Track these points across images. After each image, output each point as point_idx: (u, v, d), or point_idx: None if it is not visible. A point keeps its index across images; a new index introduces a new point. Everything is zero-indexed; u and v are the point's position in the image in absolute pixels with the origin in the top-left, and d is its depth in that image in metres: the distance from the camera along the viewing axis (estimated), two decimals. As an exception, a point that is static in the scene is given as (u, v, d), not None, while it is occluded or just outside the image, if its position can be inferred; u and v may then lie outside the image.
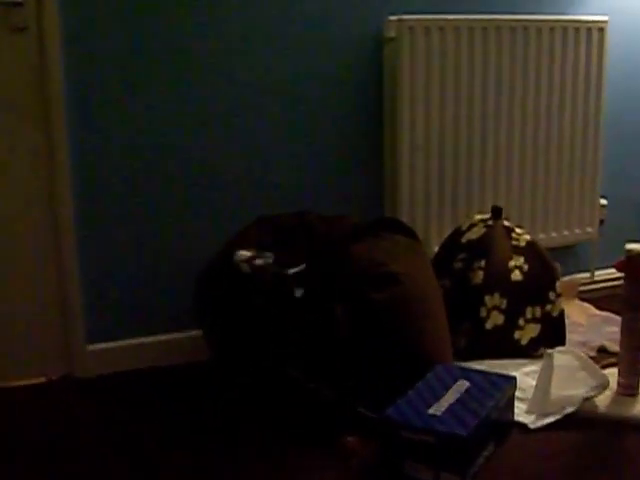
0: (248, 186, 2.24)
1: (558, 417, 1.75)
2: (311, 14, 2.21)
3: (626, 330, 1.84)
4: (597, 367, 1.85)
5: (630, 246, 1.82)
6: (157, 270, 2.18)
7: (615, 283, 2.77)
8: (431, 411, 1.55)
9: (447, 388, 1.66)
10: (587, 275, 2.75)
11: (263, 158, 2.24)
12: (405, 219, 2.26)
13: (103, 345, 2.15)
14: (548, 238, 2.51)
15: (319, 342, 1.79)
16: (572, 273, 2.71)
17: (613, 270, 2.79)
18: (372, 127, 2.33)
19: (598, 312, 2.51)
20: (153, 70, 2.08)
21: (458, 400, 1.60)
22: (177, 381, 2.07)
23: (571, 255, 2.69)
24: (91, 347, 2.13)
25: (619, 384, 1.86)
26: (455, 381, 1.69)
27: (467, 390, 1.65)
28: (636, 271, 1.81)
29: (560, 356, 1.88)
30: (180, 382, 2.07)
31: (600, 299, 2.69)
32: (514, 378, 1.73)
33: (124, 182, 2.10)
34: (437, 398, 1.61)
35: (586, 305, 2.59)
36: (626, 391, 1.85)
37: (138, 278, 2.16)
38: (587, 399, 1.77)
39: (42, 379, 2.08)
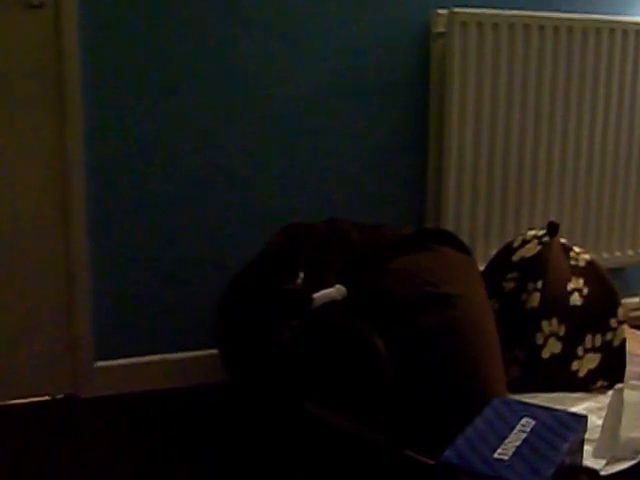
0: (277, 193, 2.07)
1: (633, 463, 1.55)
2: (348, 7, 2.04)
3: None
4: (676, 406, 1.65)
5: None
6: (172, 285, 2.01)
7: (667, 310, 2.61)
8: (497, 455, 1.34)
9: (511, 427, 1.45)
10: (637, 300, 2.56)
11: (295, 162, 2.08)
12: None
13: (112, 362, 1.98)
14: (599, 259, 2.32)
15: (355, 377, 1.58)
16: (622, 298, 2.53)
17: (665, 295, 2.64)
18: (416, 130, 2.17)
19: (654, 341, 2.32)
20: (176, 59, 1.92)
21: (525, 442, 1.40)
22: (188, 403, 1.92)
23: (620, 278, 2.50)
24: (99, 364, 1.97)
25: (697, 426, 1.65)
26: (519, 419, 1.49)
27: (533, 430, 1.44)
28: None
29: (631, 392, 1.68)
30: (191, 405, 1.91)
31: (651, 327, 2.51)
32: (585, 417, 1.53)
33: (140, 192, 1.95)
34: (501, 439, 1.40)
35: (638, 333, 2.40)
36: None
37: (151, 293, 2.00)
38: (665, 443, 1.57)
39: (46, 397, 1.94)
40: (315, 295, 1.68)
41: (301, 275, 1.76)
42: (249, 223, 2.04)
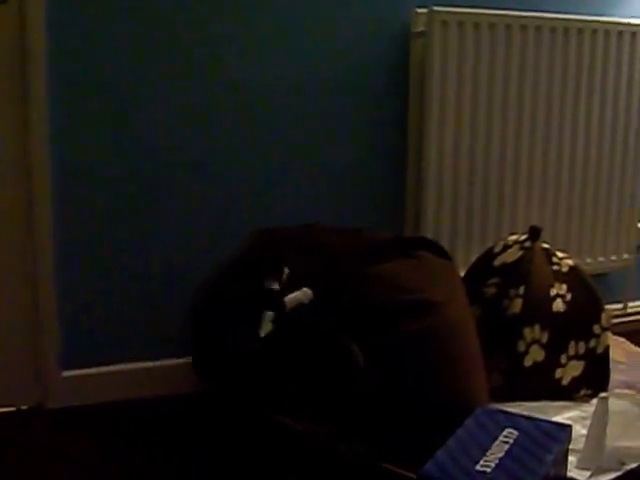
0: (252, 197, 2.04)
1: (618, 474, 1.53)
2: (325, 6, 2.02)
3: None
4: (661, 415, 1.63)
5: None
6: (139, 292, 1.97)
7: (650, 316, 2.61)
8: (479, 467, 1.32)
9: (494, 438, 1.42)
10: (620, 306, 2.55)
11: (271, 165, 2.05)
12: (429, 236, 2.06)
13: (79, 372, 1.94)
14: (582, 264, 2.30)
15: (332, 387, 1.55)
16: (604, 304, 2.52)
17: (648, 301, 2.64)
18: (395, 133, 2.15)
19: (637, 348, 2.30)
20: (148, 57, 1.89)
21: (509, 453, 1.37)
22: (158, 413, 1.89)
23: (602, 284, 2.49)
24: (66, 374, 1.92)
25: (683, 435, 1.64)
26: (501, 429, 1.46)
27: (517, 441, 1.42)
28: None
29: (615, 401, 1.66)
30: (161, 415, 1.88)
31: (633, 333, 2.49)
32: (570, 427, 1.51)
33: (106, 197, 1.91)
34: (483, 450, 1.38)
35: (621, 340, 2.38)
36: (691, 444, 1.63)
37: (119, 300, 1.96)
38: (651, 453, 1.55)
39: (11, 408, 1.89)
40: (285, 298, 1.65)
41: (286, 271, 1.72)
42: (222, 228, 2.01)
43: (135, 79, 1.88)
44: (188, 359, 1.85)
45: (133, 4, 1.84)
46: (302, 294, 1.66)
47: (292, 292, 1.67)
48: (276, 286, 1.70)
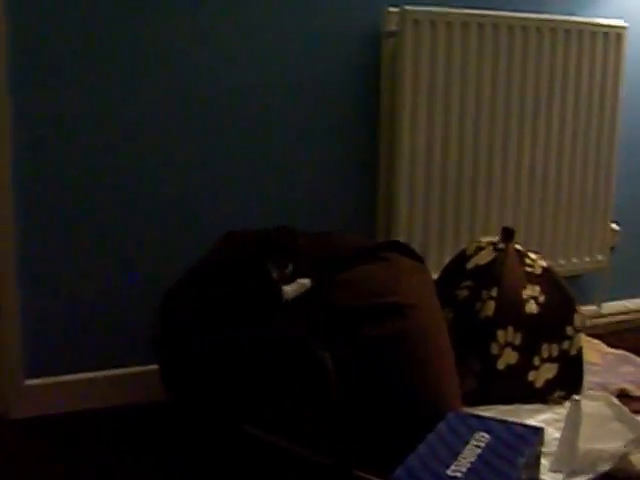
0: (221, 201, 2.02)
1: (591, 477, 1.53)
2: (297, 6, 2.01)
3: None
4: (634, 417, 1.64)
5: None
6: (103, 299, 1.94)
7: (624, 317, 2.62)
8: (451, 472, 1.31)
9: (465, 442, 1.42)
10: (593, 308, 2.56)
11: (241, 169, 2.02)
12: (401, 238, 2.05)
13: (43, 380, 1.90)
14: (556, 266, 2.31)
15: (300, 393, 1.54)
16: (578, 305, 2.53)
17: (622, 303, 2.65)
18: (366, 133, 2.14)
19: (612, 350, 2.32)
20: (116, 56, 1.86)
21: (480, 457, 1.37)
22: (123, 423, 1.86)
23: (576, 285, 2.50)
24: (29, 382, 1.89)
25: (656, 437, 1.65)
26: (473, 433, 1.46)
27: (488, 445, 1.42)
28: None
29: (589, 403, 1.67)
30: (127, 424, 1.85)
31: (608, 334, 2.51)
32: (542, 430, 1.51)
33: (70, 204, 1.88)
34: (455, 455, 1.37)
35: (596, 341, 2.40)
36: (664, 445, 1.64)
37: (82, 307, 1.93)
38: (623, 455, 1.56)
39: None
40: (285, 288, 1.64)
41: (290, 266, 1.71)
42: (190, 232, 1.99)
43: (112, 78, 1.86)
44: (154, 366, 1.83)
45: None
46: (300, 285, 1.66)
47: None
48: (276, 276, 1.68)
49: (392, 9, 2.05)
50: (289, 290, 1.65)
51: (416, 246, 2.07)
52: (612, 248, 2.50)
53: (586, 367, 2.07)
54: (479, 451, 1.39)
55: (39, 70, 1.79)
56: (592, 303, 2.56)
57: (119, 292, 1.95)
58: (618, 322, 2.60)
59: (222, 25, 1.94)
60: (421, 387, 1.57)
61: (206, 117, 1.97)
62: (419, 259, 1.79)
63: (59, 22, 1.79)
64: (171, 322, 1.71)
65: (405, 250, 1.79)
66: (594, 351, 2.31)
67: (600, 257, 2.44)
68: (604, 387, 2.02)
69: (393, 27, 2.04)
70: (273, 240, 1.73)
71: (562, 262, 2.37)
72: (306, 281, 1.67)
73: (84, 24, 1.81)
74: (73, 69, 1.82)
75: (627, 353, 2.28)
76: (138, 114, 1.90)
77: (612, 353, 2.30)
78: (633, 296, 2.67)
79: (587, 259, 2.42)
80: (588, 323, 2.48)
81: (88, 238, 1.90)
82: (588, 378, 2.04)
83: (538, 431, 1.50)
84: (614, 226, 2.49)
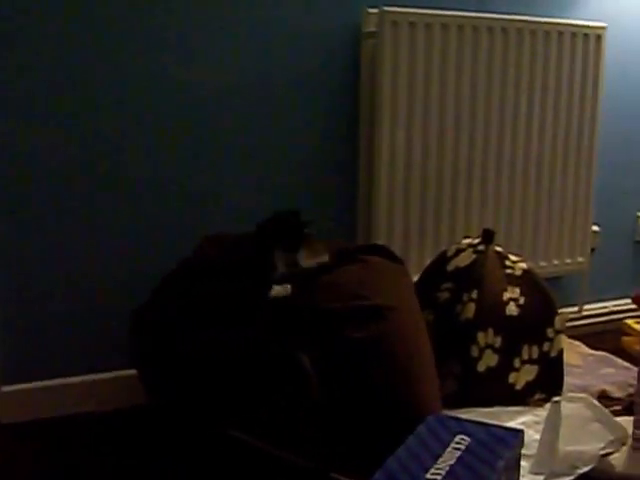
0: (196, 205, 2.01)
1: (571, 478, 1.54)
2: (276, 5, 2.00)
3: (646, 375, 1.64)
4: (614, 418, 1.65)
5: (652, 277, 1.61)
6: (80, 303, 1.93)
7: (605, 319, 2.64)
8: (430, 476, 1.31)
9: (445, 445, 1.42)
10: (575, 309, 2.58)
11: (220, 169, 2.01)
12: (381, 241, 2.06)
13: (19, 386, 1.89)
14: (537, 268, 2.33)
15: (279, 396, 1.53)
16: (559, 307, 2.53)
17: (603, 304, 2.67)
18: (346, 135, 2.13)
19: (592, 351, 2.33)
20: (103, 53, 1.83)
21: (460, 460, 1.37)
22: (103, 428, 1.84)
23: (557, 287, 2.52)
24: (6, 388, 1.87)
25: (635, 438, 1.66)
26: (453, 436, 1.46)
27: (469, 448, 1.42)
28: (659, 306, 1.61)
29: (568, 404, 1.68)
30: (106, 430, 1.84)
31: (589, 336, 2.53)
32: (522, 432, 1.51)
33: (43, 208, 1.86)
34: (434, 458, 1.37)
35: (576, 343, 2.42)
36: (644, 446, 1.65)
37: (59, 312, 1.91)
38: (603, 456, 1.56)
39: None
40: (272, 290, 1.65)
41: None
42: (165, 235, 1.98)
43: (99, 75, 1.85)
44: (131, 371, 1.83)
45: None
46: (282, 289, 1.66)
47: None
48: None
49: (371, 10, 2.05)
50: (277, 289, 1.65)
51: (396, 247, 2.08)
52: (593, 250, 2.52)
53: (567, 369, 2.09)
54: (459, 454, 1.39)
55: (14, 55, 1.78)
56: (573, 304, 2.57)
57: (94, 297, 1.94)
58: (599, 323, 2.62)
59: (200, 26, 1.93)
60: (401, 389, 1.57)
61: (183, 119, 1.96)
62: (399, 261, 1.79)
63: None
64: (151, 325, 1.71)
65: (385, 253, 1.79)
66: (575, 353, 2.32)
67: (581, 259, 2.45)
68: (585, 389, 2.04)
69: (372, 28, 2.04)
70: (284, 223, 1.73)
71: (543, 264, 2.38)
72: (287, 286, 1.67)
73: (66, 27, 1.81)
74: (52, 63, 1.81)
75: (607, 354, 2.30)
76: (124, 114, 1.89)
77: (593, 355, 2.31)
78: (614, 297, 2.69)
79: (568, 261, 2.43)
80: (565, 325, 2.50)
81: (63, 242, 1.89)
82: (569, 380, 2.05)
83: (518, 434, 1.50)
84: (594, 227, 2.51)
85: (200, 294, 1.68)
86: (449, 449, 1.41)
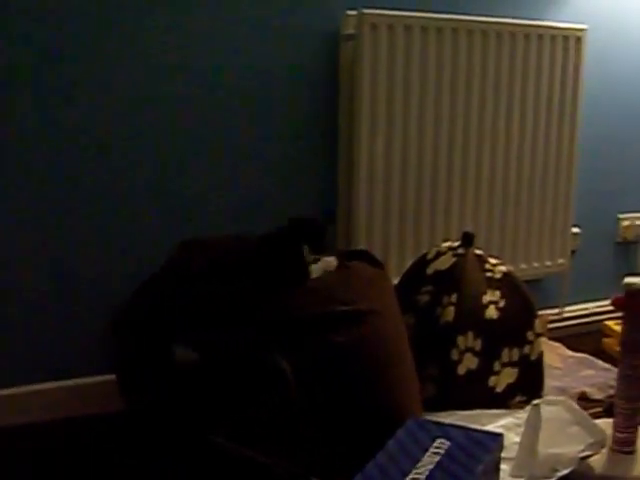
0: (169, 209, 2.00)
1: (550, 482, 1.55)
2: (254, 8, 2.00)
3: (624, 377, 1.65)
4: (593, 421, 1.66)
5: (630, 280, 1.63)
6: (57, 307, 1.92)
7: (585, 320, 2.66)
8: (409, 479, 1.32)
9: (424, 449, 1.43)
10: (555, 311, 2.59)
11: (196, 173, 2.01)
12: (361, 244, 2.06)
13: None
14: (517, 270, 2.34)
15: (260, 402, 1.53)
16: (539, 309, 2.55)
17: (583, 306, 2.69)
18: (325, 138, 2.14)
19: (573, 353, 2.35)
20: (85, 52, 1.83)
21: (439, 464, 1.38)
22: (79, 435, 1.84)
23: (538, 289, 2.53)
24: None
25: (615, 440, 1.67)
26: (432, 440, 1.46)
27: (448, 452, 1.43)
28: (637, 309, 1.62)
29: (548, 407, 1.68)
30: (84, 436, 1.83)
31: (569, 337, 2.55)
32: (501, 436, 1.52)
33: (17, 210, 1.85)
34: (414, 462, 1.38)
35: (557, 345, 2.43)
36: (623, 448, 1.67)
37: (35, 316, 1.90)
38: (583, 459, 1.58)
39: None
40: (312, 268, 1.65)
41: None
42: (143, 238, 1.97)
43: (80, 72, 1.84)
44: (108, 377, 1.82)
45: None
46: (326, 263, 1.67)
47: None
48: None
49: (350, 12, 2.05)
50: (315, 268, 1.66)
51: (376, 250, 2.09)
52: (573, 251, 2.54)
53: (547, 371, 2.10)
54: (438, 458, 1.40)
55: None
56: (554, 306, 2.59)
57: (68, 302, 1.93)
58: (579, 325, 2.64)
59: (178, 30, 1.93)
60: (381, 393, 1.58)
61: (160, 119, 1.95)
62: (380, 266, 1.79)
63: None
64: (133, 329, 1.70)
65: (366, 257, 1.80)
66: (555, 354, 2.33)
67: (561, 260, 2.47)
68: (565, 391, 2.05)
69: (351, 30, 2.04)
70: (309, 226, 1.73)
71: (523, 266, 2.39)
72: (332, 259, 1.69)
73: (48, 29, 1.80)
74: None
75: (588, 356, 2.31)
76: (105, 113, 1.88)
77: (573, 356, 2.32)
78: (594, 299, 2.71)
79: (548, 263, 2.45)
80: (547, 326, 2.51)
81: (39, 248, 1.88)
82: (549, 382, 2.06)
83: (497, 438, 1.51)
84: (575, 229, 2.53)
85: (190, 297, 1.67)
86: (428, 453, 1.41)
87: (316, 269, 1.66)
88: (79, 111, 1.86)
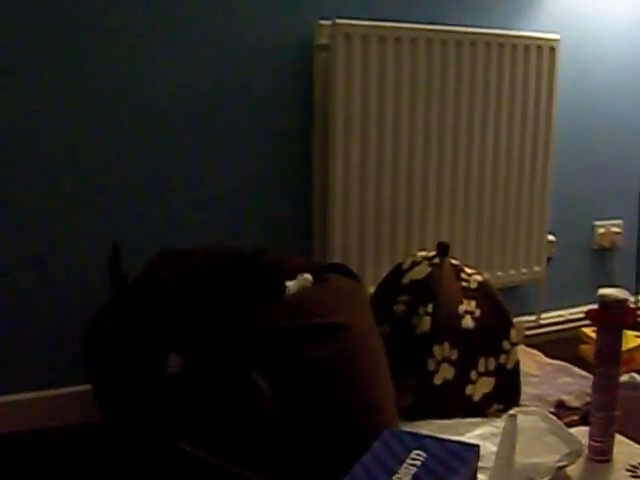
0: (145, 219, 2.01)
1: (527, 491, 1.57)
2: (226, 19, 2.00)
3: (599, 386, 1.68)
4: (569, 430, 1.68)
5: (604, 291, 1.65)
6: (34, 313, 1.92)
7: (562, 327, 2.69)
8: (385, 493, 1.33)
9: (400, 461, 1.44)
10: (532, 318, 2.62)
11: (170, 183, 2.02)
12: (337, 254, 2.08)
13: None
14: (493, 278, 2.36)
15: (237, 417, 1.54)
16: (516, 316, 2.58)
17: (560, 312, 2.72)
18: (300, 150, 2.14)
19: (550, 360, 2.37)
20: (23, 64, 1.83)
21: (415, 476, 1.39)
22: (61, 446, 1.83)
23: (514, 297, 2.56)
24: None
25: (591, 449, 1.69)
26: (408, 452, 1.48)
27: (424, 463, 1.44)
28: (611, 320, 1.64)
29: (524, 417, 1.71)
30: (64, 447, 1.82)
31: (546, 344, 2.58)
32: (478, 446, 1.53)
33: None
34: (390, 474, 1.39)
35: (534, 352, 2.46)
36: (599, 456, 1.69)
37: (8, 327, 1.89)
38: (559, 468, 1.60)
39: None
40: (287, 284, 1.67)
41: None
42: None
43: (43, 86, 1.84)
44: (81, 387, 1.82)
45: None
46: (302, 281, 1.68)
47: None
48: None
49: (323, 22, 2.06)
50: (292, 285, 1.67)
51: (352, 260, 2.10)
52: (549, 259, 2.57)
53: (524, 378, 2.12)
54: (414, 470, 1.41)
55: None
56: (530, 313, 2.61)
57: (42, 312, 1.92)
58: (556, 332, 2.66)
59: (151, 37, 1.93)
60: (358, 406, 1.59)
61: (135, 129, 1.95)
62: (357, 278, 1.81)
63: None
64: (104, 340, 1.70)
65: (343, 270, 1.81)
66: (532, 362, 2.36)
67: (537, 268, 2.49)
68: (542, 399, 2.08)
69: (324, 41, 2.05)
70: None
71: (500, 274, 2.42)
72: (307, 275, 1.70)
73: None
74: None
75: (565, 364, 2.34)
76: (70, 130, 1.88)
77: (550, 364, 2.35)
78: (570, 305, 2.74)
79: (524, 270, 2.47)
80: (524, 333, 2.54)
81: (14, 260, 1.87)
82: (526, 390, 2.08)
83: (474, 448, 1.52)
84: (550, 237, 2.56)
85: (168, 307, 1.68)
86: (405, 465, 1.42)
87: (293, 286, 1.67)
88: (67, 128, 1.86)
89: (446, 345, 1.88)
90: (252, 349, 1.56)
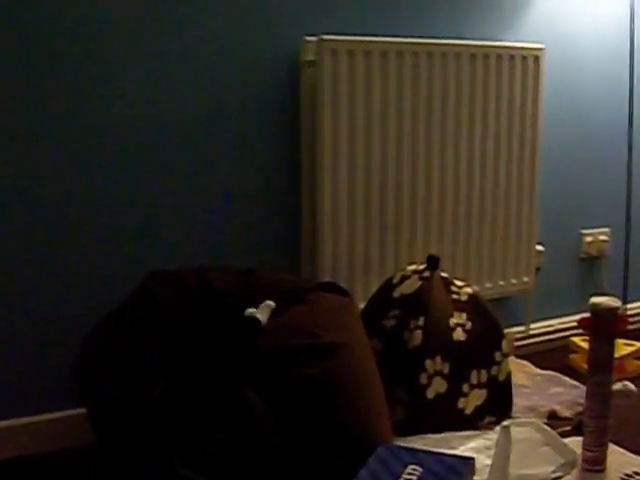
0: (134, 241, 2.02)
1: (522, 503, 1.60)
2: (212, 37, 2.03)
3: (592, 396, 1.71)
4: (563, 441, 1.71)
5: (595, 300, 1.69)
6: (25, 337, 1.93)
7: (551, 337, 2.73)
8: (383, 509, 1.36)
9: (396, 476, 1.47)
10: (522, 329, 2.65)
11: (159, 203, 2.03)
12: (326, 270, 2.11)
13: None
14: (483, 289, 2.40)
15: (232, 437, 1.56)
16: (506, 327, 2.61)
17: (549, 322, 2.75)
18: (287, 166, 2.17)
19: (540, 371, 2.41)
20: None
21: (412, 491, 1.42)
22: (53, 471, 1.83)
23: (504, 308, 2.59)
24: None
25: (585, 459, 1.72)
26: (404, 466, 1.51)
27: (420, 478, 1.47)
28: (603, 329, 1.68)
29: (518, 429, 1.74)
30: (57, 472, 1.82)
31: (536, 354, 2.61)
32: (472, 460, 1.57)
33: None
34: (387, 490, 1.42)
35: (524, 363, 2.49)
36: (593, 466, 1.71)
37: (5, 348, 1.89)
38: (554, 479, 1.63)
39: None
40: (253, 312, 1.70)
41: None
42: (105, 270, 1.99)
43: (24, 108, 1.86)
44: (72, 411, 1.82)
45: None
46: (267, 307, 1.72)
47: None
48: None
49: (309, 38, 2.09)
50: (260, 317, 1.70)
51: (342, 275, 2.13)
52: (538, 269, 2.61)
53: (516, 390, 2.15)
54: (411, 485, 1.44)
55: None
56: (520, 324, 2.64)
57: (32, 336, 1.94)
58: (545, 342, 2.70)
59: (137, 55, 1.95)
60: (352, 424, 1.61)
61: (122, 146, 1.97)
62: (348, 295, 1.83)
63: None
64: (96, 367, 1.71)
65: (334, 288, 1.83)
66: (522, 373, 2.39)
67: (526, 279, 2.52)
68: (534, 410, 2.10)
69: (311, 57, 2.08)
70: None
71: (489, 285, 2.45)
72: (270, 302, 1.73)
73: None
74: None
75: (555, 373, 2.37)
76: (48, 148, 1.90)
77: (541, 374, 2.38)
78: (560, 315, 2.77)
79: (513, 281, 2.50)
80: (514, 344, 2.57)
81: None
82: (518, 401, 2.11)
83: (469, 462, 1.56)
84: (539, 247, 2.60)
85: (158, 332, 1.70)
86: (401, 480, 1.46)
87: (261, 317, 1.70)
88: (31, 146, 1.88)
89: (438, 358, 1.91)
90: (244, 368, 1.58)
